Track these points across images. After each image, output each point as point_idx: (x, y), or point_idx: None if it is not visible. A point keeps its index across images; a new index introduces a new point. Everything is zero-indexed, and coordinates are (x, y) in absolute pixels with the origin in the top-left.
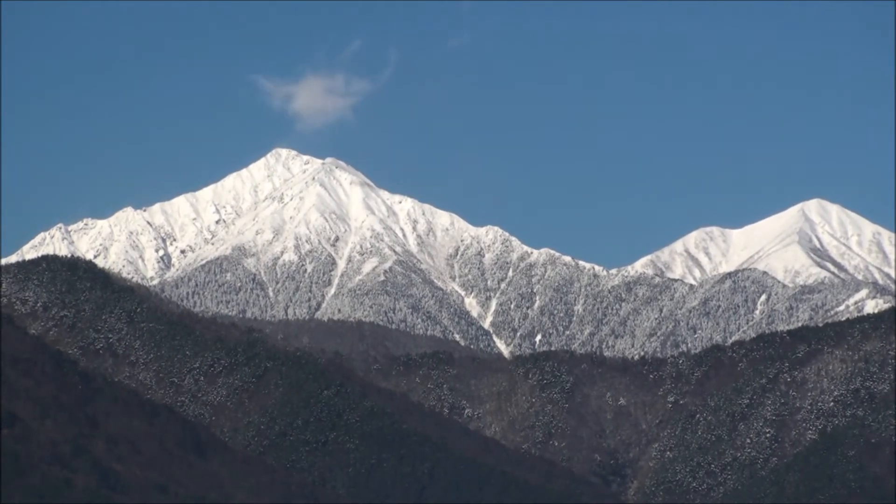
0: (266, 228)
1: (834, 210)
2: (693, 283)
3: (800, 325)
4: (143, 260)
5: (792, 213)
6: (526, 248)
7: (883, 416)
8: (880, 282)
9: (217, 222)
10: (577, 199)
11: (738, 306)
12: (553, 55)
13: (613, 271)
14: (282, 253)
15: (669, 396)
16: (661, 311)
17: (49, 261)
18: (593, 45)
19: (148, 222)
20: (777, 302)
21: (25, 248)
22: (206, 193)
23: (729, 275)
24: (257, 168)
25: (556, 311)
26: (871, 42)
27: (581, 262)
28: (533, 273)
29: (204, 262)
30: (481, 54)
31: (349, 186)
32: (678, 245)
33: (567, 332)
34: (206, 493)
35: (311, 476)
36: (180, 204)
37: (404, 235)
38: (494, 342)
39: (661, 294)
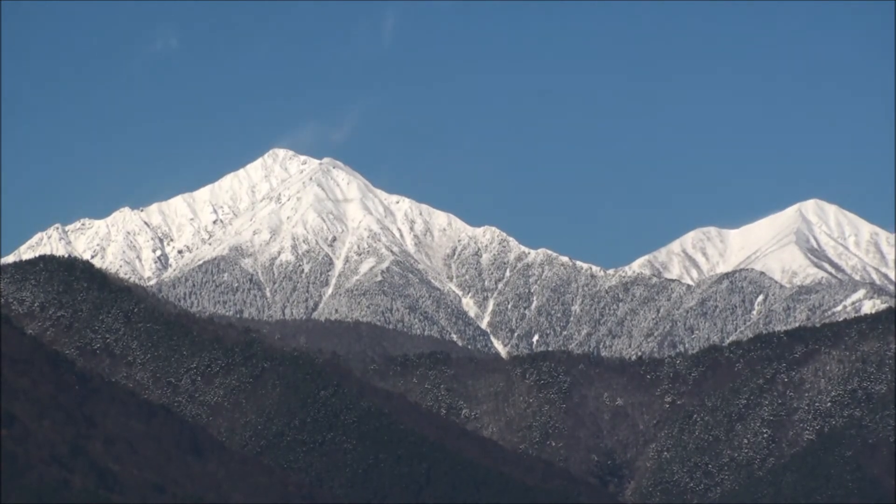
0: (263, 229)
1: (831, 210)
2: (690, 283)
3: (797, 325)
4: (140, 260)
5: (789, 213)
6: (523, 248)
7: (880, 417)
8: (878, 282)
9: (214, 222)
10: (575, 199)
11: (736, 307)
12: (551, 55)
13: (611, 271)
14: (279, 253)
15: (667, 397)
16: (658, 311)
17: (46, 261)
18: (591, 45)
19: (145, 222)
20: (774, 302)
21: (23, 248)
22: (204, 194)
23: (726, 275)
24: (254, 168)
25: (553, 312)
26: (870, 42)
27: (578, 263)
28: (530, 273)
29: (201, 262)
30: (479, 54)
31: (346, 187)
32: (675, 245)
33: (564, 333)
34: (203, 493)
35: (308, 476)
36: (177, 204)
37: (401, 236)
38: (492, 342)
39: (658, 294)
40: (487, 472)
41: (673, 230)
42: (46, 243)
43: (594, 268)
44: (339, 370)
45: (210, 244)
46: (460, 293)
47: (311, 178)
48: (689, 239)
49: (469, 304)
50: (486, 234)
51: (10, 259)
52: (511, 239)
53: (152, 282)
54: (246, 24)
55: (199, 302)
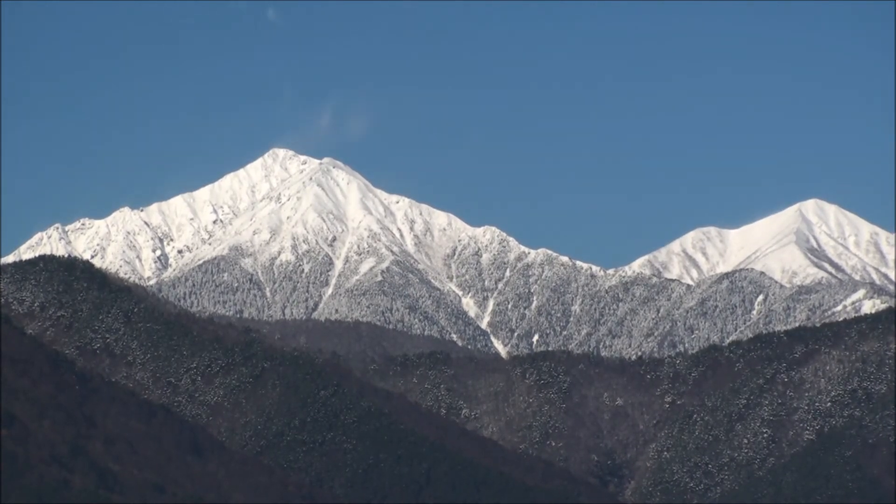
0: (263, 228)
1: (831, 210)
2: (690, 283)
3: (797, 325)
4: (140, 260)
5: (789, 213)
6: (523, 248)
7: (880, 417)
8: (878, 282)
9: (214, 222)
10: (575, 199)
11: (736, 306)
12: (550, 54)
13: (611, 271)
14: (279, 253)
15: (667, 397)
16: (658, 311)
17: (46, 261)
18: (590, 44)
19: (145, 222)
20: (774, 302)
21: (23, 248)
22: (204, 193)
23: (726, 275)
24: (254, 168)
25: (553, 312)
26: (870, 42)
27: (578, 263)
28: (530, 273)
29: (201, 262)
30: (478, 54)
31: (346, 186)
32: (675, 245)
33: (564, 333)
34: (203, 493)
35: (308, 476)
36: (177, 204)
37: (401, 235)
38: (492, 342)
39: (658, 294)
40: (487, 472)
41: (673, 230)
42: (46, 243)
43: (594, 268)
44: (339, 370)
45: (210, 244)
46: (460, 293)
47: (311, 178)
48: (689, 239)
49: (469, 304)
50: (486, 234)
51: (10, 259)
52: (511, 239)
53: (152, 282)
54: (246, 24)
55: (199, 302)
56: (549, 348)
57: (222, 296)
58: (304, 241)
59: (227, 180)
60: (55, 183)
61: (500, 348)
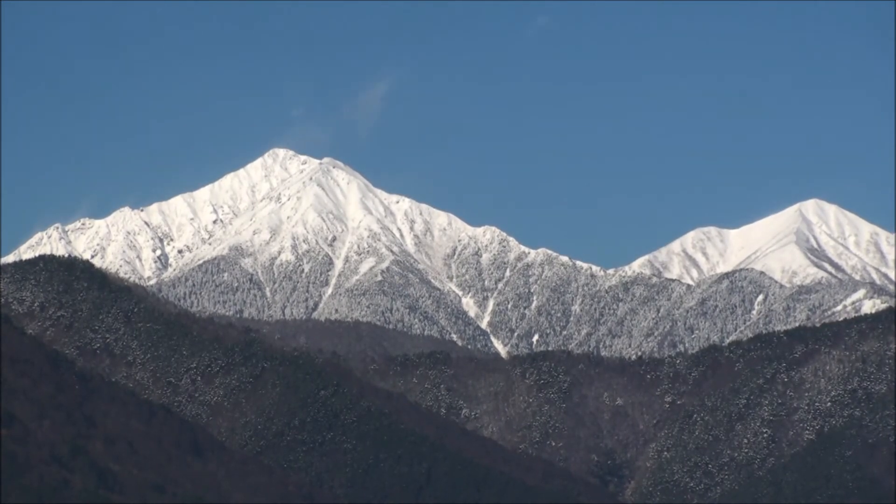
0: (263, 228)
1: (832, 210)
2: (690, 283)
3: (797, 325)
4: (140, 260)
5: (789, 213)
6: (523, 248)
7: (880, 417)
8: (878, 282)
9: (214, 222)
10: (575, 199)
11: (736, 306)
12: (550, 54)
13: (611, 271)
14: (279, 253)
15: (667, 397)
16: (658, 311)
17: (46, 261)
18: (590, 44)
19: (145, 222)
20: (774, 302)
21: (23, 247)
22: (204, 193)
23: (726, 275)
24: (254, 168)
25: (553, 311)
26: (870, 41)
27: (578, 262)
28: (530, 273)
29: (201, 262)
30: (478, 54)
31: (346, 186)
32: (675, 245)
33: (564, 332)
34: (203, 493)
35: (308, 476)
36: (177, 204)
37: (401, 235)
38: (492, 342)
39: (658, 294)
40: (487, 472)
41: (673, 230)
42: (46, 243)
43: (594, 268)
44: (338, 370)
45: (210, 244)
46: (460, 293)
47: (311, 178)
48: (690, 239)
49: (469, 304)
50: (486, 234)
51: (10, 259)
52: (511, 239)
53: (152, 282)
54: (246, 24)
55: (199, 302)
56: (549, 348)
57: (222, 296)
58: (304, 241)
59: (227, 180)
60: (55, 183)
61: (500, 348)
